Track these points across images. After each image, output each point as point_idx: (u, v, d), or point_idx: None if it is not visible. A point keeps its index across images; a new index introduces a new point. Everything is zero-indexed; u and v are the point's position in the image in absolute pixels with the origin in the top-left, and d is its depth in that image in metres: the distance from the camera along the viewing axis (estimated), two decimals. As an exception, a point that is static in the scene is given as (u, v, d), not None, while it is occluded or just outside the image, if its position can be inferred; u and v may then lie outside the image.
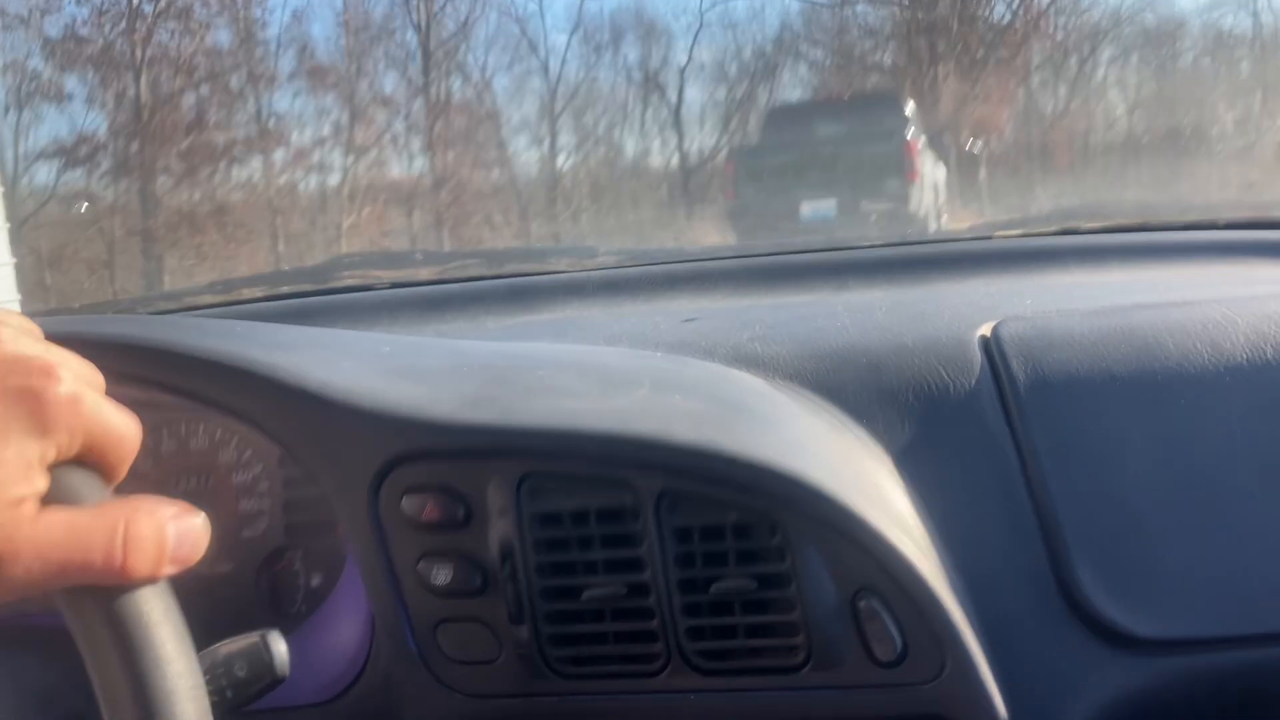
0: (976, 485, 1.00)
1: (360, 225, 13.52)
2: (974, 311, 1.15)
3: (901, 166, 10.51)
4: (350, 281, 1.60)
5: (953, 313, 1.15)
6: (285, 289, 1.58)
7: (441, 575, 0.90)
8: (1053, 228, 1.53)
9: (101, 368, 0.94)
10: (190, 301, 1.58)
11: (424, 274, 1.63)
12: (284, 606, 1.04)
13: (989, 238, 1.53)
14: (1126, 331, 1.07)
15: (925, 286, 1.34)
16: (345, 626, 0.98)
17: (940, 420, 1.03)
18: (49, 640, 0.76)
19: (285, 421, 0.92)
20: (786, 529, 0.87)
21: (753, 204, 10.88)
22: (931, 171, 11.04)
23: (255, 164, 14.06)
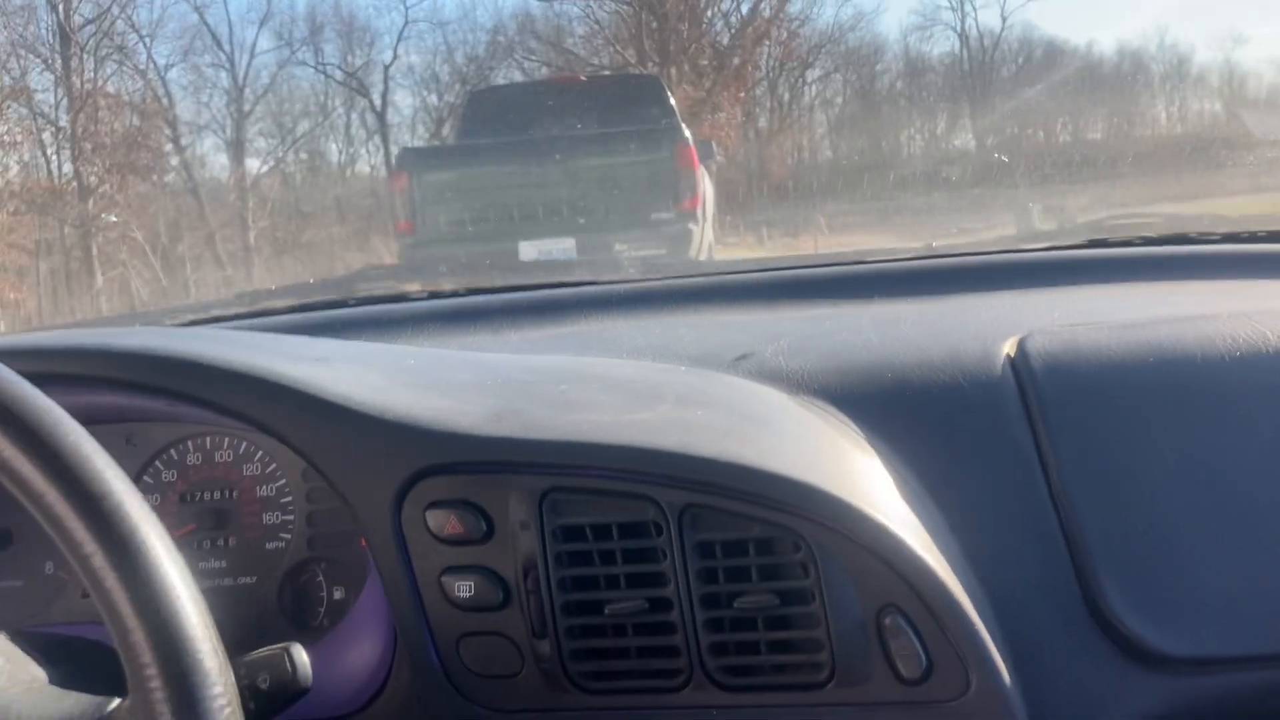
0: (1002, 501, 0.99)
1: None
2: (1000, 325, 1.14)
3: (678, 185, 7.18)
4: (375, 294, 1.61)
5: (978, 326, 1.14)
6: (311, 300, 1.59)
7: (464, 589, 0.90)
8: (1080, 240, 1.52)
9: (128, 380, 0.96)
10: (217, 314, 1.59)
11: (448, 286, 1.63)
12: (307, 619, 1.04)
13: (1017, 250, 1.52)
14: (1154, 345, 1.06)
15: (951, 300, 1.33)
16: (368, 640, 0.98)
17: (966, 435, 1.02)
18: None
19: (310, 434, 0.92)
20: (810, 544, 0.86)
21: (442, 237, 7.20)
22: (707, 190, 7.99)
23: None
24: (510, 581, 0.89)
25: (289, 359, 0.96)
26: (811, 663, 0.87)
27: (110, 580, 0.57)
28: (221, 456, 1.08)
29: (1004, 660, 0.89)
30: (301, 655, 0.75)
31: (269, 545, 1.05)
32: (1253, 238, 1.47)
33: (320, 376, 0.93)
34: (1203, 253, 1.43)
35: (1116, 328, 1.10)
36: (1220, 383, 1.03)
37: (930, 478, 1.00)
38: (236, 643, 0.76)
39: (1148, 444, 1.00)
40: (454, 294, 1.58)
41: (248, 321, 1.51)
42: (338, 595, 1.04)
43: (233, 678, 0.59)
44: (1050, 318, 1.18)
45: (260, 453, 1.07)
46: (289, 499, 1.06)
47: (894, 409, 1.04)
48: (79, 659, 0.71)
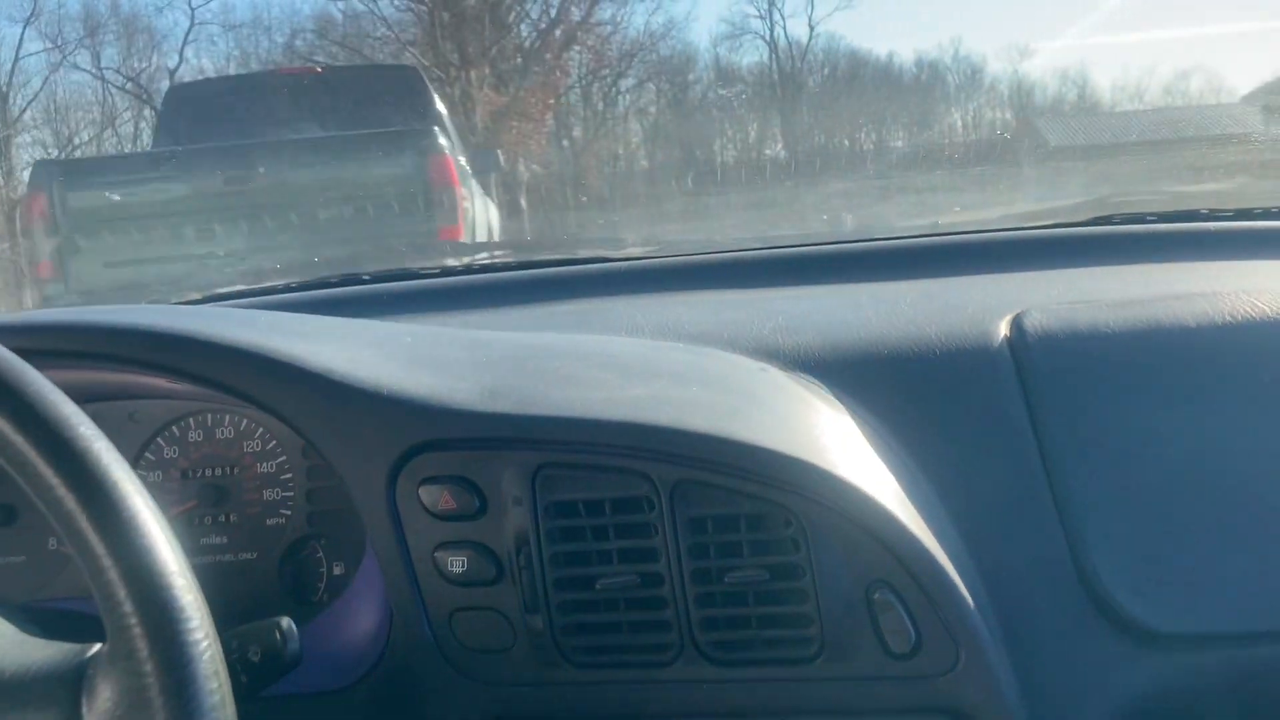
0: (996, 478, 0.99)
1: None
2: (998, 304, 1.14)
3: (431, 207, 5.45)
4: (373, 271, 1.62)
5: (977, 304, 1.14)
6: (313, 278, 1.60)
7: (457, 564, 0.90)
8: (1082, 218, 1.51)
9: (128, 357, 0.96)
10: (220, 291, 1.60)
11: (450, 263, 1.63)
12: (306, 594, 1.05)
13: (1020, 229, 1.52)
14: (1151, 323, 1.06)
15: (951, 278, 1.33)
16: (364, 614, 0.99)
17: (961, 412, 1.02)
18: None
19: (305, 410, 0.93)
20: (801, 520, 0.87)
21: (97, 284, 5.28)
22: (481, 212, 6.49)
23: None
24: (503, 557, 0.90)
25: (285, 336, 0.97)
26: (801, 637, 0.88)
27: (81, 521, 0.58)
28: (222, 433, 1.09)
29: (995, 636, 0.89)
30: (292, 628, 0.76)
31: (269, 521, 1.07)
32: (1266, 214, 1.46)
33: (316, 353, 0.94)
34: (1211, 229, 1.42)
35: (1114, 305, 1.09)
36: (1218, 360, 1.03)
37: (925, 454, 1.00)
38: (236, 618, 0.77)
39: (1144, 421, 1.00)
40: (456, 271, 1.59)
41: (250, 300, 1.52)
42: (337, 571, 1.05)
43: (209, 617, 0.60)
44: (1050, 296, 1.18)
45: (260, 430, 1.08)
46: (289, 475, 1.07)
47: (889, 386, 1.04)
48: (65, 621, 0.72)
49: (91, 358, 0.95)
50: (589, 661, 0.91)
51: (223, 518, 1.07)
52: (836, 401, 1.03)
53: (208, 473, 1.08)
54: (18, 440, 0.59)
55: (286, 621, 0.75)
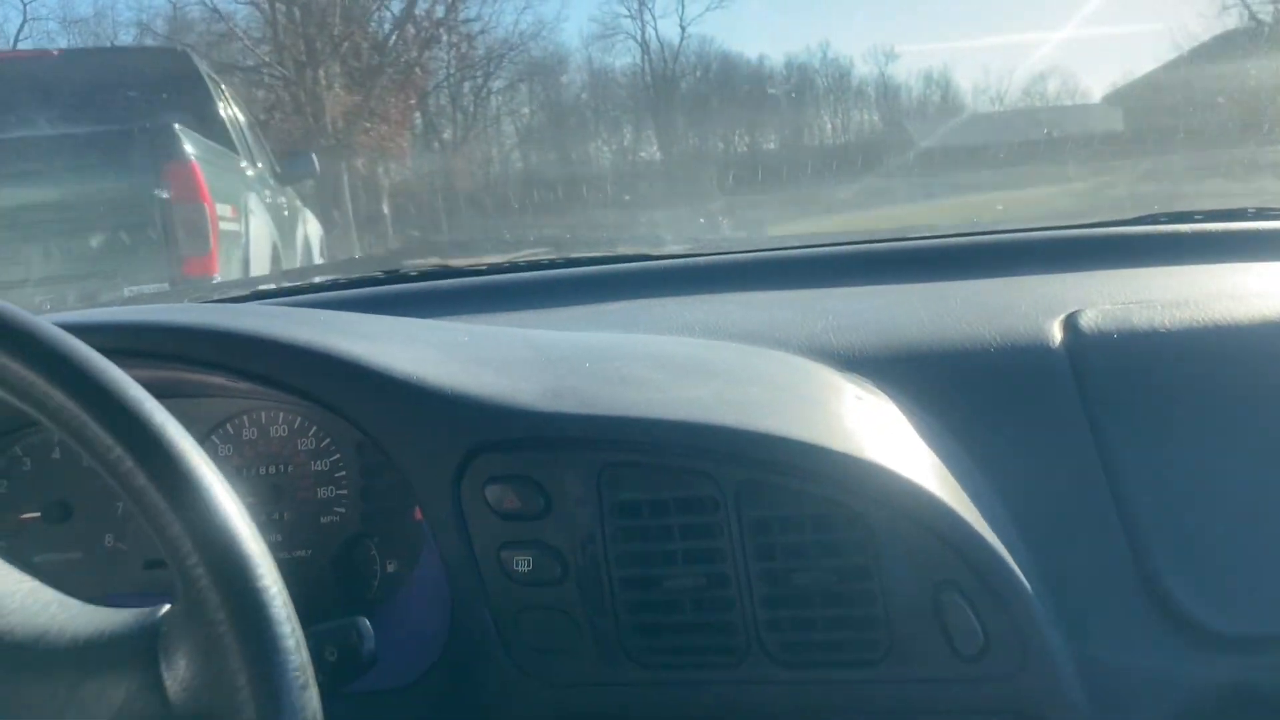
0: (1056, 479, 0.99)
1: None
2: (1051, 303, 1.13)
3: (173, 231, 4.15)
4: (418, 269, 1.61)
5: (1030, 304, 1.14)
6: (354, 276, 1.59)
7: (523, 564, 0.90)
8: (1134, 216, 1.50)
9: (186, 355, 0.96)
10: (261, 289, 1.60)
11: (492, 261, 1.63)
12: (360, 592, 1.05)
13: (1066, 228, 1.51)
14: (1208, 324, 1.05)
15: (1000, 278, 1.32)
16: (422, 613, 0.99)
17: (1019, 413, 1.02)
18: None
19: (370, 409, 0.93)
20: (867, 521, 0.86)
21: None
22: (271, 230, 5.27)
23: None
24: (568, 556, 0.90)
25: (345, 335, 0.97)
26: (868, 639, 0.88)
27: (141, 479, 0.58)
28: (276, 431, 1.09)
29: (1059, 637, 0.89)
30: (368, 629, 0.76)
31: (323, 519, 1.06)
32: None
33: (378, 352, 0.94)
34: (1260, 229, 1.41)
35: (1170, 305, 1.09)
36: (1274, 360, 1.02)
37: (983, 456, 1.00)
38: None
39: (1203, 421, 1.00)
40: (498, 269, 1.59)
41: (293, 298, 1.52)
42: (391, 568, 1.05)
43: (275, 567, 0.59)
44: (1101, 296, 1.17)
45: (314, 428, 1.08)
46: (343, 474, 1.07)
47: (946, 387, 1.04)
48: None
49: (155, 357, 0.95)
50: (654, 662, 0.91)
51: (277, 515, 1.07)
52: (892, 403, 1.02)
53: (262, 470, 1.08)
54: (71, 405, 0.59)
55: (363, 621, 0.75)
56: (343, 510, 1.06)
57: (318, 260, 6.07)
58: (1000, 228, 1.48)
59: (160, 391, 1.05)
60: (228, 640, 0.56)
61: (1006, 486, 0.98)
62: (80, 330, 0.96)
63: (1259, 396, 1.01)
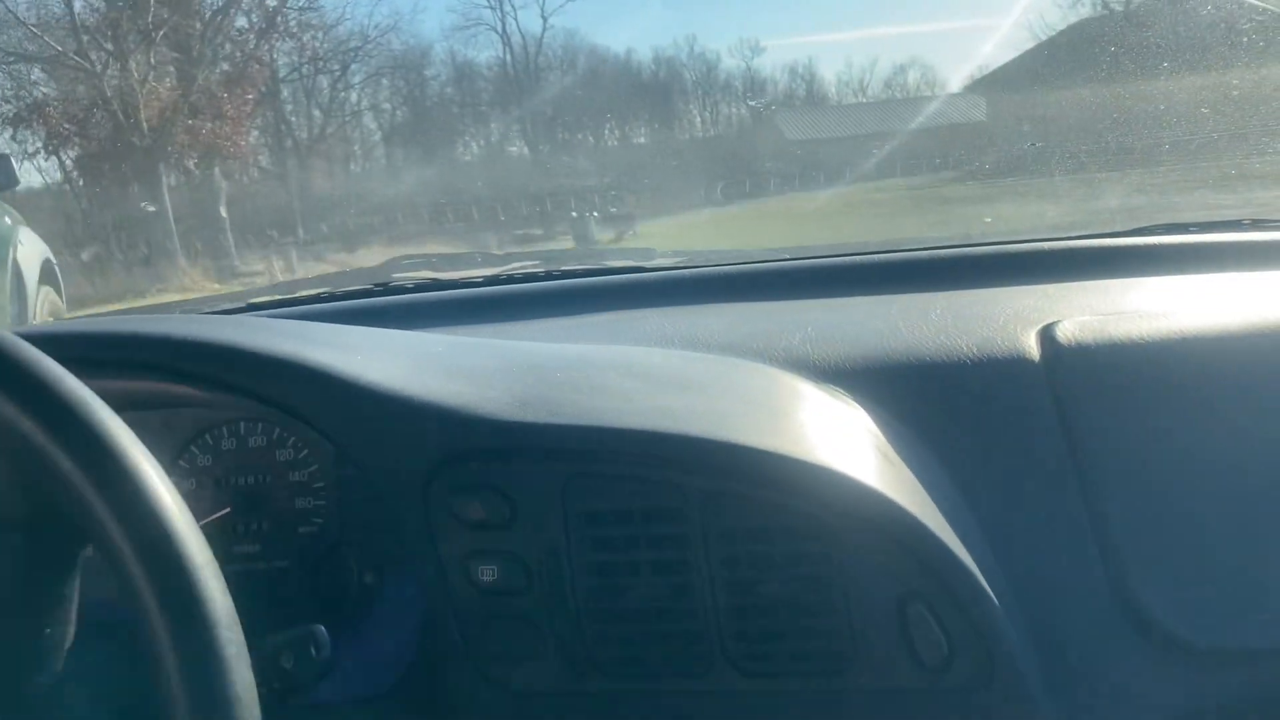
0: (1029, 491, 0.98)
1: None
2: (1030, 314, 1.13)
3: None
4: (409, 281, 1.62)
5: (1007, 317, 1.14)
6: (342, 289, 1.61)
7: (488, 574, 0.91)
8: (1113, 229, 1.50)
9: (163, 366, 0.97)
10: (253, 301, 1.61)
11: (481, 274, 1.64)
12: (338, 603, 1.05)
13: (1051, 239, 1.51)
14: (1187, 335, 1.04)
15: (981, 289, 1.32)
16: (395, 623, 0.99)
17: (993, 424, 1.02)
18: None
19: (338, 419, 0.94)
20: (834, 531, 0.86)
21: None
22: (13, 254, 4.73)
23: None
24: (534, 566, 0.90)
25: (319, 345, 0.98)
26: (833, 650, 0.88)
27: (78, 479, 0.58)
28: (255, 442, 1.09)
29: (1029, 650, 0.89)
30: (324, 636, 0.76)
31: (301, 530, 1.07)
32: None
33: (348, 363, 0.95)
34: (1252, 240, 1.40)
35: (1147, 317, 1.08)
36: (1253, 373, 1.02)
37: (958, 467, 1.00)
38: (269, 625, 0.78)
39: (1178, 434, 0.99)
40: (484, 282, 1.59)
41: (283, 309, 1.53)
42: (368, 579, 1.05)
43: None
44: (1083, 307, 1.17)
45: (293, 438, 1.08)
46: (321, 484, 1.07)
47: (920, 398, 1.04)
48: (98, 627, 0.72)
49: (129, 367, 0.96)
50: (620, 672, 0.91)
51: (255, 526, 1.08)
52: (867, 414, 1.02)
53: (241, 481, 1.09)
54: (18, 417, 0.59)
55: (319, 629, 0.76)
56: (321, 520, 1.07)
57: (34, 287, 5.18)
58: (984, 240, 1.47)
59: (139, 402, 1.07)
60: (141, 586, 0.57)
61: (980, 498, 0.98)
62: (53, 340, 0.97)
63: (1236, 408, 1.00)
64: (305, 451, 1.08)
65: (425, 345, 1.10)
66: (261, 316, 1.48)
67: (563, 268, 1.63)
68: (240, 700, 0.56)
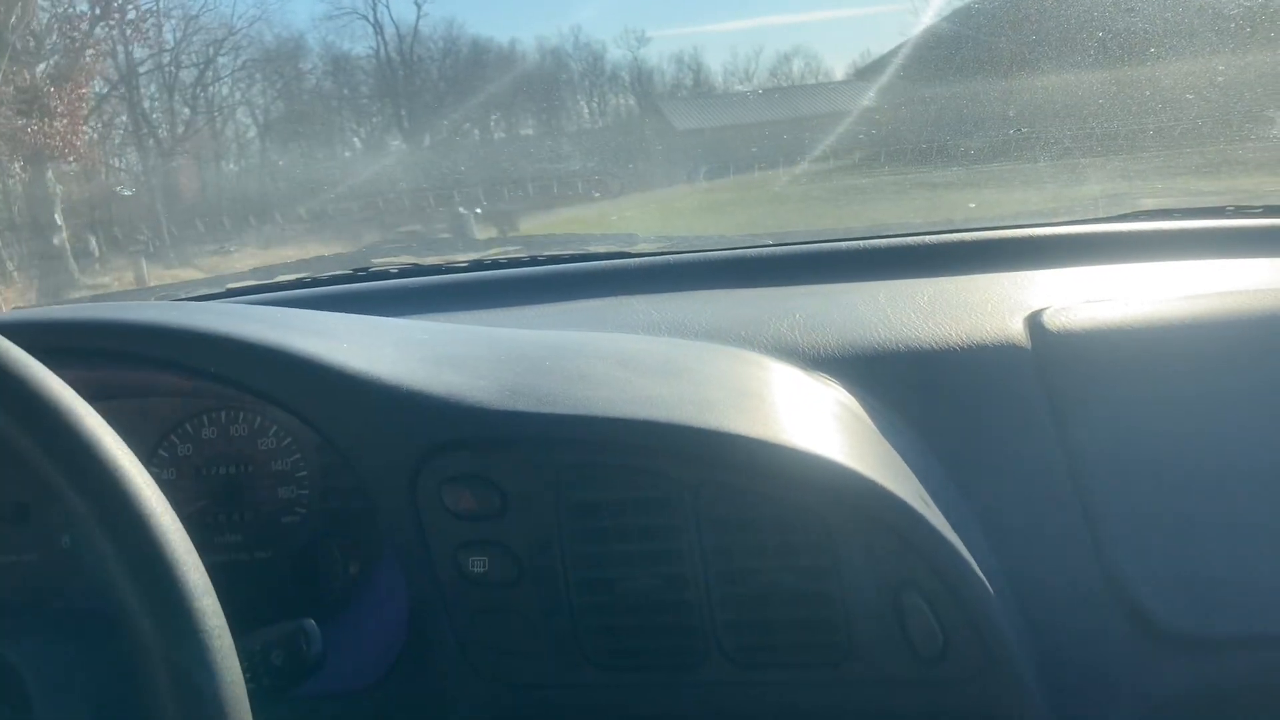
0: (1020, 479, 0.98)
1: None
2: (1018, 301, 1.13)
3: None
4: (390, 267, 1.60)
5: (997, 303, 1.13)
6: (323, 274, 1.58)
7: (479, 565, 0.89)
8: (1098, 215, 1.49)
9: (142, 354, 0.95)
10: (232, 287, 1.59)
11: (464, 259, 1.62)
12: (322, 594, 1.04)
13: (1039, 225, 1.50)
14: (1175, 321, 1.04)
15: (968, 275, 1.31)
16: (383, 614, 0.98)
17: (983, 412, 1.01)
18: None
19: (324, 408, 0.92)
20: (827, 520, 0.86)
21: None
22: None
23: None
24: (525, 558, 0.89)
25: (302, 333, 0.96)
26: (827, 641, 0.87)
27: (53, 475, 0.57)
28: (237, 431, 1.08)
29: (1022, 638, 0.88)
30: (315, 630, 0.75)
31: (284, 520, 1.05)
32: None
33: (334, 350, 0.93)
34: (1238, 226, 1.40)
35: (1136, 304, 1.08)
36: (1241, 358, 1.02)
37: (947, 454, 0.99)
38: (251, 617, 0.76)
39: (1168, 421, 0.99)
40: (468, 267, 1.57)
41: (263, 295, 1.51)
42: (353, 569, 1.04)
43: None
44: (1071, 294, 1.16)
45: (275, 427, 1.07)
46: (304, 474, 1.06)
47: (909, 385, 1.03)
48: (79, 622, 0.71)
49: (103, 356, 0.94)
50: (612, 664, 0.90)
51: (237, 516, 1.06)
52: (856, 401, 1.02)
53: (222, 470, 1.07)
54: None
55: (309, 623, 0.74)
56: (304, 510, 1.05)
57: None
58: (972, 225, 1.47)
59: (119, 391, 1.05)
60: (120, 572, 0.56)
61: (970, 486, 0.97)
62: (23, 328, 0.95)
63: (1224, 394, 1.00)
64: (288, 440, 1.06)
65: (409, 332, 1.08)
66: (240, 303, 1.45)
67: (547, 253, 1.61)
68: (229, 700, 0.55)
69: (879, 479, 0.86)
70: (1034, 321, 1.07)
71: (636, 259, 1.50)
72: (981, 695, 0.86)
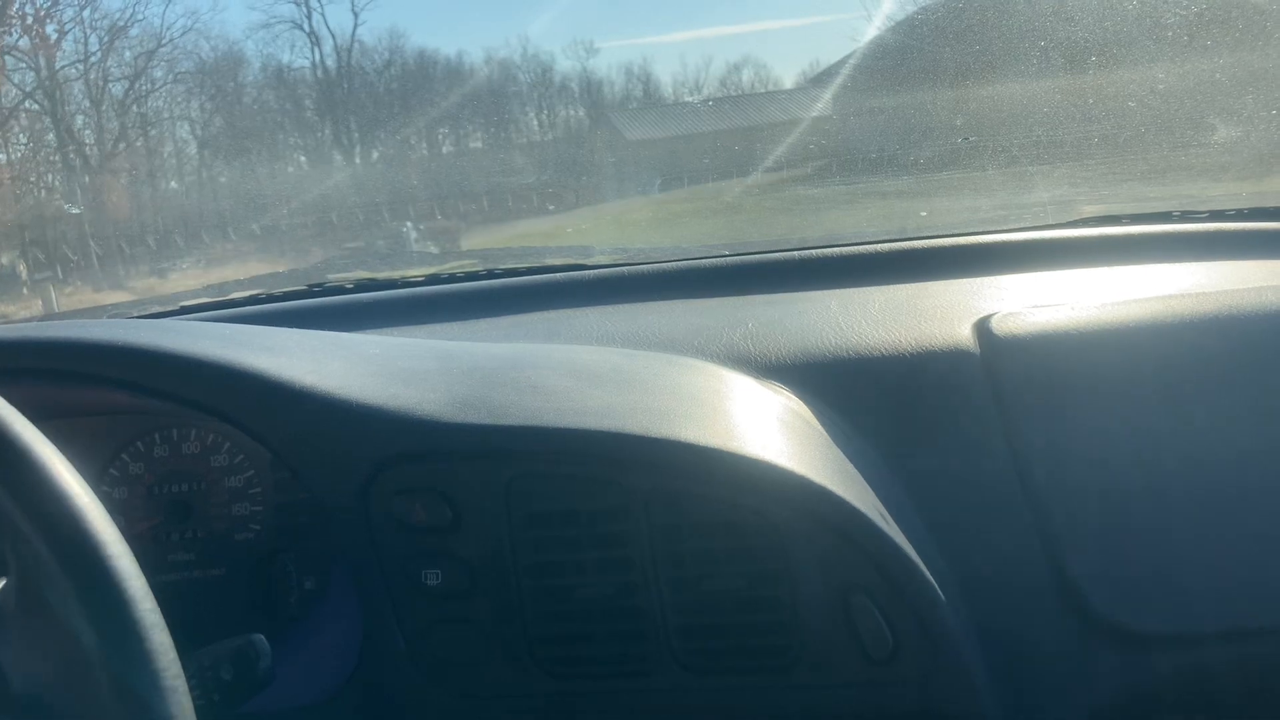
0: (968, 482, 0.99)
1: None
2: (968, 307, 1.14)
3: None
4: (345, 282, 1.60)
5: (946, 309, 1.15)
6: (277, 290, 1.58)
7: (432, 577, 0.89)
8: (1046, 221, 1.51)
9: (91, 374, 0.94)
10: (185, 304, 1.57)
11: (419, 273, 1.62)
12: (277, 609, 1.03)
13: (988, 232, 1.52)
14: (1120, 325, 1.06)
15: (919, 282, 1.33)
16: (338, 628, 0.98)
17: (933, 417, 1.02)
18: None
19: (273, 424, 0.91)
20: (776, 525, 0.86)
21: None
22: None
23: None
24: (478, 569, 0.89)
25: (251, 348, 0.96)
26: (779, 645, 0.88)
27: None
28: (189, 449, 1.07)
29: (971, 639, 0.89)
30: (264, 645, 0.74)
31: (238, 536, 1.05)
32: (1239, 215, 1.46)
33: (282, 366, 0.93)
34: (1184, 231, 1.43)
35: (1082, 309, 1.10)
36: (1184, 362, 1.03)
37: (897, 459, 1.00)
38: (205, 634, 0.76)
39: (1113, 423, 1.01)
40: (422, 281, 1.57)
41: (215, 312, 1.50)
42: (308, 585, 1.04)
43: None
44: (1020, 300, 1.18)
45: (228, 444, 1.06)
46: (257, 490, 1.05)
47: (860, 391, 1.04)
48: None
49: (55, 375, 0.93)
50: (566, 672, 0.90)
51: (190, 533, 1.05)
52: (807, 408, 1.03)
53: (174, 488, 1.06)
54: None
55: (258, 638, 0.74)
56: (258, 527, 1.05)
57: None
58: (923, 233, 1.48)
59: (68, 410, 1.04)
60: (73, 611, 0.55)
61: (920, 490, 0.98)
62: None
63: (1169, 396, 1.02)
64: (240, 457, 1.06)
65: (361, 346, 1.08)
66: (193, 320, 1.44)
67: (501, 266, 1.61)
68: (175, 716, 0.54)
69: (828, 484, 0.87)
70: (982, 327, 1.08)
71: (592, 271, 1.51)
72: (932, 695, 0.87)
